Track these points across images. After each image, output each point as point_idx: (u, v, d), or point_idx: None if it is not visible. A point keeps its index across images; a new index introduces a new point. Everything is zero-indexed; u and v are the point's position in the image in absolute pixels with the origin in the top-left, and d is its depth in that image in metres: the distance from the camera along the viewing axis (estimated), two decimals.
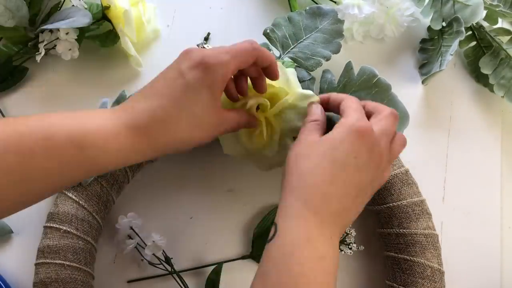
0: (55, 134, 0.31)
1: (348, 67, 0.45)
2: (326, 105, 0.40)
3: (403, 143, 0.38)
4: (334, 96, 0.39)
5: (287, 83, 0.40)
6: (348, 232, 0.46)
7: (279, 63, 0.40)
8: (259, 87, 0.39)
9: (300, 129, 0.37)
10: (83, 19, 0.47)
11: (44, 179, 0.31)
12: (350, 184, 0.33)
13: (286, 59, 0.46)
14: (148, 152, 0.34)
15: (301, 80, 0.44)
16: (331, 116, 0.41)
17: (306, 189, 0.33)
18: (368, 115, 0.37)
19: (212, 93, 0.34)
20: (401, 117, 0.45)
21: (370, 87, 0.45)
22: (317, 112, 0.38)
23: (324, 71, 0.46)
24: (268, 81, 0.40)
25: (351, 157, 0.33)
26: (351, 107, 0.36)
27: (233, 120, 0.38)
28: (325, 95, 0.40)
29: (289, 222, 0.32)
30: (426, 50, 0.54)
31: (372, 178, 0.35)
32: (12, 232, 0.46)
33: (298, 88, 0.41)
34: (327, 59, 0.46)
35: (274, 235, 0.32)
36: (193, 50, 0.35)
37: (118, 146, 0.32)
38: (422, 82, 0.53)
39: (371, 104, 0.39)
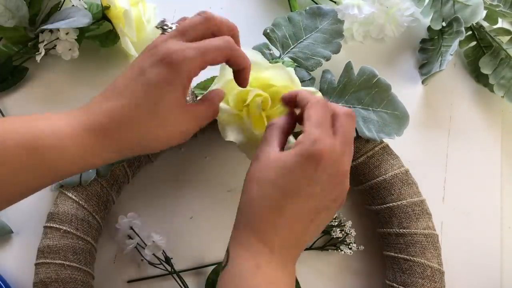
0: (6, 139, 0.29)
1: (348, 67, 0.45)
2: (294, 103, 0.36)
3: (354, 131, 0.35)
4: (302, 96, 0.35)
5: (292, 82, 0.40)
6: (348, 232, 0.46)
7: (279, 64, 0.40)
8: (240, 81, 0.37)
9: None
10: (83, 19, 0.47)
11: None
12: (303, 212, 0.31)
13: (286, 59, 0.46)
14: (109, 154, 0.32)
15: (301, 80, 0.44)
16: None
17: (254, 217, 0.31)
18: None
19: (175, 90, 0.32)
20: (401, 117, 0.45)
21: (370, 87, 0.45)
22: (276, 120, 0.35)
23: (324, 71, 0.46)
24: (269, 80, 0.40)
25: (304, 185, 0.30)
26: (312, 120, 0.32)
27: (202, 114, 0.35)
28: (293, 91, 0.36)
29: (239, 250, 0.31)
30: (426, 50, 0.54)
31: (334, 198, 0.32)
32: (12, 232, 0.46)
33: (300, 86, 0.41)
34: (327, 59, 0.46)
35: (226, 263, 0.32)
36: (157, 45, 0.33)
37: (75, 149, 0.30)
38: (422, 82, 0.53)
39: (330, 105, 0.35)
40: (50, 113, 0.32)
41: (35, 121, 0.31)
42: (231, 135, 0.41)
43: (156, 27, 0.37)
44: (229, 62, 0.35)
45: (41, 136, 0.30)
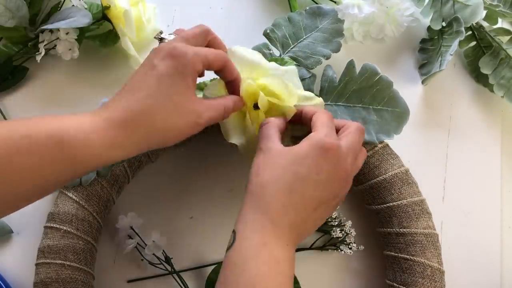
0: (35, 132, 0.30)
1: (350, 65, 0.45)
2: (299, 119, 0.40)
3: (365, 157, 0.40)
4: (307, 109, 0.40)
5: (287, 90, 0.40)
6: (348, 232, 0.46)
7: (277, 72, 0.40)
8: (234, 91, 0.40)
9: (259, 137, 0.38)
10: (83, 19, 0.47)
11: (26, 179, 0.30)
12: (310, 198, 0.34)
13: (286, 58, 0.46)
14: (131, 146, 0.34)
15: (301, 78, 0.44)
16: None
17: (266, 199, 0.33)
18: (337, 130, 0.38)
19: (185, 79, 0.34)
20: (402, 114, 0.45)
21: (371, 85, 0.45)
22: (271, 119, 0.38)
23: (326, 68, 0.46)
24: (266, 85, 0.40)
25: (313, 173, 0.34)
26: (321, 121, 0.37)
27: (218, 105, 0.37)
28: (298, 109, 0.40)
29: (246, 230, 0.33)
30: (426, 50, 0.54)
31: (335, 193, 0.36)
32: (12, 232, 0.46)
33: (299, 90, 0.41)
34: (327, 57, 0.46)
35: (233, 242, 0.33)
36: (162, 45, 0.36)
37: (99, 141, 0.32)
38: (422, 82, 0.53)
39: (340, 121, 0.40)
40: (72, 113, 0.34)
41: (61, 118, 0.33)
42: (234, 137, 0.41)
43: (155, 37, 0.39)
44: (222, 71, 0.38)
45: (68, 130, 0.31)
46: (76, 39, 0.49)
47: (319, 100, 0.41)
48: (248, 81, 0.39)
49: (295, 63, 0.46)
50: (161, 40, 0.39)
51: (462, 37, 0.49)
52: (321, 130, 0.36)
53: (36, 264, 0.41)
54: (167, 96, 0.34)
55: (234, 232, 0.34)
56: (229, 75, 0.39)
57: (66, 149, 0.31)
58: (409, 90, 0.53)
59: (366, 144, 0.45)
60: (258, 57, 0.41)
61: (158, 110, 0.34)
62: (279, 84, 0.40)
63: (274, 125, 0.38)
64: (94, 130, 0.32)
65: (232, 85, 0.40)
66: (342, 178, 0.35)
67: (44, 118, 0.32)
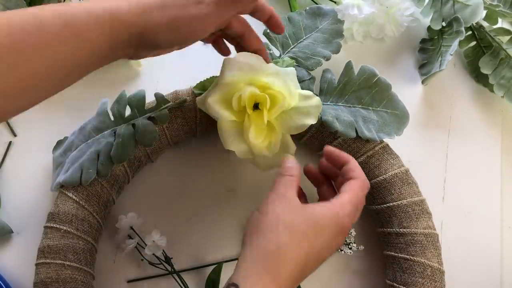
0: (42, 12, 0.30)
1: (348, 66, 0.45)
2: (328, 158, 0.40)
3: (363, 204, 0.39)
4: (340, 154, 0.39)
5: (287, 87, 0.40)
6: (348, 232, 0.46)
7: (277, 72, 0.40)
8: (250, 42, 0.39)
9: (276, 180, 0.37)
10: None
11: (36, 58, 0.30)
12: (317, 260, 0.34)
13: (286, 58, 0.46)
14: (140, 29, 0.32)
15: (301, 80, 0.44)
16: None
17: (279, 263, 0.32)
18: (341, 165, 0.39)
19: None
20: (401, 117, 0.45)
21: (370, 87, 0.45)
22: (294, 166, 0.38)
23: (324, 71, 0.46)
24: (267, 83, 0.40)
25: (325, 248, 0.34)
26: (352, 195, 0.36)
27: None
28: (331, 150, 0.40)
29: (249, 284, 0.31)
30: (426, 50, 0.54)
31: (335, 250, 0.36)
32: (12, 232, 0.46)
33: (297, 89, 0.41)
34: (327, 58, 0.46)
35: None
36: None
37: (104, 18, 0.31)
38: (422, 82, 0.53)
39: (345, 158, 0.39)
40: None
41: (70, 5, 0.32)
42: (232, 145, 0.41)
43: None
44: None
45: (75, 12, 0.31)
46: None
47: (317, 99, 0.41)
48: (250, 90, 0.39)
49: (295, 63, 0.46)
50: None
51: (462, 37, 0.49)
52: (347, 206, 0.35)
53: (36, 264, 0.41)
54: None
55: (235, 285, 0.31)
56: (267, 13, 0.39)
57: (73, 28, 0.30)
58: (409, 90, 0.53)
59: (367, 142, 0.45)
60: (258, 62, 0.40)
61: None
62: (281, 83, 0.40)
63: (294, 179, 0.37)
64: (101, 7, 0.32)
65: (273, 20, 0.40)
66: (343, 239, 0.36)
67: (54, 5, 0.32)
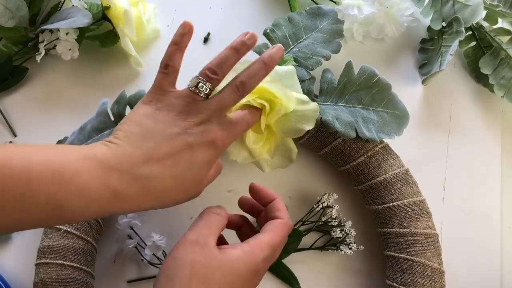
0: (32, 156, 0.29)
1: (349, 66, 0.45)
2: (254, 194, 0.39)
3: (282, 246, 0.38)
4: (266, 192, 0.39)
5: (283, 92, 0.40)
6: (348, 232, 0.46)
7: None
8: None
9: (200, 216, 0.36)
10: (83, 19, 0.47)
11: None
12: None
13: (287, 57, 0.46)
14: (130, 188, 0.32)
15: (301, 80, 0.44)
16: None
17: None
18: (266, 203, 0.38)
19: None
20: (401, 117, 0.45)
21: (370, 87, 0.45)
22: (222, 211, 0.37)
23: (324, 71, 0.46)
24: (265, 89, 0.40)
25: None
26: (276, 231, 0.35)
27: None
28: (259, 187, 0.39)
29: None
30: (426, 50, 0.54)
31: None
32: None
33: (296, 92, 0.41)
34: (327, 58, 0.46)
35: None
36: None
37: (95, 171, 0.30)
38: (422, 82, 0.53)
39: (269, 195, 0.38)
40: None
41: (58, 149, 0.31)
42: (233, 154, 0.42)
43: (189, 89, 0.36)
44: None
45: (65, 163, 0.29)
46: (76, 39, 0.49)
47: (314, 105, 0.41)
48: (246, 100, 0.39)
49: (294, 63, 0.46)
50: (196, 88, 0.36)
51: (462, 37, 0.49)
52: (265, 250, 0.34)
53: (36, 264, 0.41)
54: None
55: None
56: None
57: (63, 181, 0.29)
58: (409, 90, 0.53)
59: (367, 142, 0.45)
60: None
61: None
62: (277, 88, 0.39)
63: (221, 219, 0.36)
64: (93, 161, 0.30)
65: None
66: (258, 282, 0.35)
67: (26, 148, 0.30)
